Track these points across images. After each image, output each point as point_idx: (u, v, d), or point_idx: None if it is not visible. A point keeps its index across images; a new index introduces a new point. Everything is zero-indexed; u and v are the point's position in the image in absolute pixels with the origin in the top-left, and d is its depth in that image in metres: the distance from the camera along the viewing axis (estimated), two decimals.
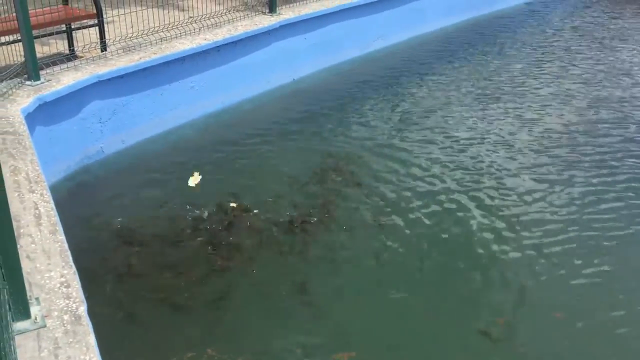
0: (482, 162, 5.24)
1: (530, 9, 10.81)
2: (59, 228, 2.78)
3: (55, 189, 4.04)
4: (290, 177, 4.90)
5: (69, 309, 2.31)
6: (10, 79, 4.25)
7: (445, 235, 4.21)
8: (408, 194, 4.70)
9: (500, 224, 4.34)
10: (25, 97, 4.11)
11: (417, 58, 7.97)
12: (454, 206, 4.55)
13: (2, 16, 4.55)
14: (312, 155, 5.31)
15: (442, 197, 4.66)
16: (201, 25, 5.90)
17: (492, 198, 4.68)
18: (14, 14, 4.37)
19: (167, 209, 4.38)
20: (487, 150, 5.47)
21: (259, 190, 4.69)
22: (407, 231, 4.23)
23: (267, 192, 4.63)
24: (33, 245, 2.62)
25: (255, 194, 4.62)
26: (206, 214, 4.31)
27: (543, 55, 8.23)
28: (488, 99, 6.66)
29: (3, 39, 4.54)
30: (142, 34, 5.43)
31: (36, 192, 3.04)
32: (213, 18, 6.09)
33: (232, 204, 4.42)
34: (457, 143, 5.60)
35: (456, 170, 5.10)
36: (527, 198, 4.69)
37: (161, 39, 5.50)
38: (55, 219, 2.84)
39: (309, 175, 4.95)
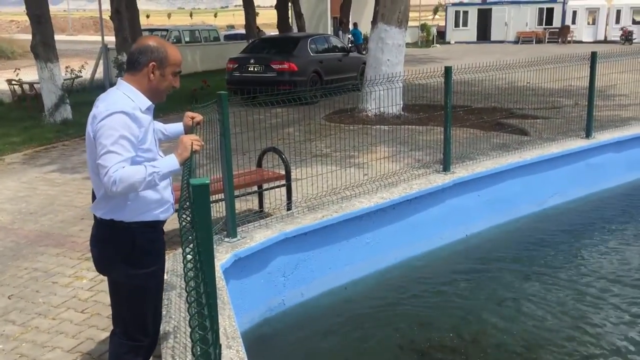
0: None
1: None
2: None
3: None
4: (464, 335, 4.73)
5: None
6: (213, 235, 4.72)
7: None
8: None
9: None
10: (224, 253, 4.53)
11: (598, 215, 7.57)
12: None
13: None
14: (489, 316, 5.11)
15: None
16: (379, 185, 6.21)
17: None
18: (215, 176, 4.97)
19: None
20: None
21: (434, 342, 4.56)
22: None
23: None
24: None
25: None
26: None
27: None
28: None
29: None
30: (324, 194, 5.83)
31: (233, 348, 3.24)
32: (389, 178, 6.39)
33: None
34: None
35: None
36: None
37: (342, 197, 5.85)
38: None
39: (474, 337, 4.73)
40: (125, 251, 2.85)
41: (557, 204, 7.74)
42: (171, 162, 2.76)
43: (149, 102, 2.87)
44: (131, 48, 2.96)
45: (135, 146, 2.72)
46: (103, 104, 2.75)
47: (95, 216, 2.93)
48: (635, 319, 5.00)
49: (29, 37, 12.58)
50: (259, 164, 6.17)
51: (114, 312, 3.13)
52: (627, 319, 4.99)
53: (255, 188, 5.98)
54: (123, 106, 2.71)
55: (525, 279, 5.87)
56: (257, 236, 4.91)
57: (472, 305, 5.39)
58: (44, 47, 11.57)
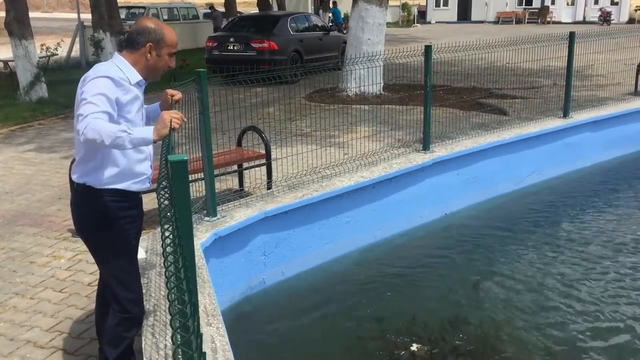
0: None
1: None
2: None
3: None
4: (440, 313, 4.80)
5: None
6: (193, 214, 4.70)
7: None
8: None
9: None
10: (204, 232, 4.52)
11: (574, 194, 7.69)
12: None
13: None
14: (464, 292, 5.19)
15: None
16: (359, 164, 6.22)
17: None
18: (195, 155, 4.94)
19: (320, 342, 4.44)
20: None
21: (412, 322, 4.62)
22: None
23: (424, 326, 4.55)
24: None
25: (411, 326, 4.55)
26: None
27: None
28: None
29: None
30: (305, 173, 5.83)
31: (213, 325, 3.25)
32: (370, 157, 6.41)
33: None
34: (624, 302, 5.18)
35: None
36: None
37: (322, 177, 5.86)
38: (230, 354, 2.98)
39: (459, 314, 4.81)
40: (99, 217, 2.96)
41: (535, 183, 7.84)
42: (146, 131, 2.78)
43: (139, 77, 2.99)
44: (130, 28, 3.15)
45: (114, 107, 2.82)
46: (94, 70, 2.90)
47: (72, 180, 3.05)
48: (616, 289, 5.10)
49: (3, 14, 12.29)
50: (239, 143, 6.14)
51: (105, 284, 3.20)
52: (609, 290, 5.10)
53: (235, 167, 5.96)
54: (110, 73, 2.86)
55: (504, 256, 5.95)
56: (237, 215, 4.90)
57: (452, 282, 5.46)
58: (18, 24, 11.31)
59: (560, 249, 6.05)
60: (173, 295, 1.38)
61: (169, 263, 1.55)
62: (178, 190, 2.09)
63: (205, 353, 1.31)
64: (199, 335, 1.31)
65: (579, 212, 7.12)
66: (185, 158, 2.11)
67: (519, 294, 5.16)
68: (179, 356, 1.24)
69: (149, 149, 3.12)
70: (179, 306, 1.36)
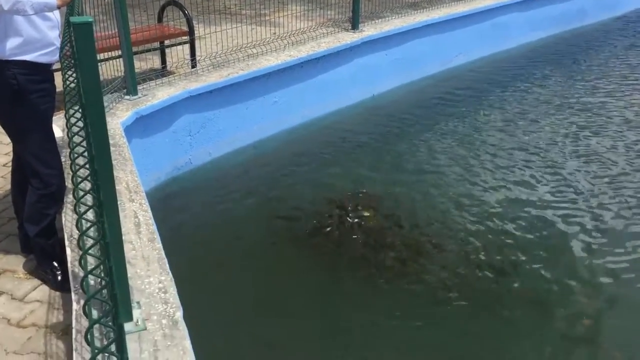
0: (576, 184, 5.12)
1: (622, 22, 10.41)
2: (157, 236, 2.94)
3: (147, 198, 4.25)
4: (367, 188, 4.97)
5: (167, 313, 2.43)
6: (111, 93, 4.52)
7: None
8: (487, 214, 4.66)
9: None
10: (125, 111, 4.37)
11: (499, 74, 7.85)
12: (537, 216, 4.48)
13: (103, 33, 4.82)
14: (391, 171, 5.36)
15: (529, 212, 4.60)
16: (286, 42, 6.06)
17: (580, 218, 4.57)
18: (112, 32, 4.66)
19: (251, 219, 4.55)
20: (579, 169, 5.33)
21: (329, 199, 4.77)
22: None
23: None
24: (133, 252, 2.78)
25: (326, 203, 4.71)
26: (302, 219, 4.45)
27: (632, 72, 7.92)
28: (573, 116, 6.48)
29: (104, 56, 4.82)
30: (231, 52, 5.64)
31: (135, 201, 3.23)
32: (298, 36, 6.25)
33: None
34: (542, 161, 5.48)
35: (541, 189, 5.00)
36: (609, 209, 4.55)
37: (248, 55, 5.69)
38: (153, 227, 3.00)
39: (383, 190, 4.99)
40: (9, 91, 2.79)
41: (462, 63, 7.94)
42: None
43: None
44: None
45: None
46: None
47: None
48: (524, 160, 5.41)
49: None
50: (159, 20, 5.82)
51: (22, 160, 3.07)
52: (519, 161, 5.40)
53: (156, 45, 5.68)
54: None
55: (429, 133, 6.11)
56: (159, 94, 4.74)
57: (380, 157, 5.60)
58: None
59: (483, 125, 6.27)
60: (78, 179, 1.31)
61: (74, 144, 1.47)
62: (83, 56, 1.96)
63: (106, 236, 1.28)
64: (103, 222, 1.27)
65: (504, 90, 7.32)
66: (90, 20, 1.97)
67: (440, 167, 5.37)
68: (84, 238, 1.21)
69: (56, 16, 2.90)
70: (81, 177, 1.31)
